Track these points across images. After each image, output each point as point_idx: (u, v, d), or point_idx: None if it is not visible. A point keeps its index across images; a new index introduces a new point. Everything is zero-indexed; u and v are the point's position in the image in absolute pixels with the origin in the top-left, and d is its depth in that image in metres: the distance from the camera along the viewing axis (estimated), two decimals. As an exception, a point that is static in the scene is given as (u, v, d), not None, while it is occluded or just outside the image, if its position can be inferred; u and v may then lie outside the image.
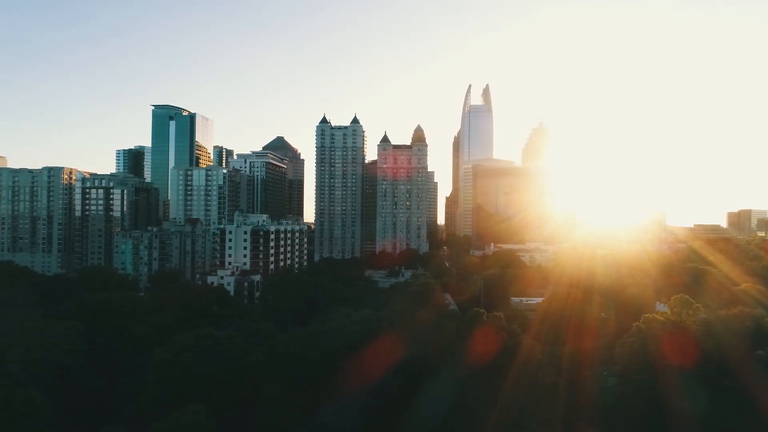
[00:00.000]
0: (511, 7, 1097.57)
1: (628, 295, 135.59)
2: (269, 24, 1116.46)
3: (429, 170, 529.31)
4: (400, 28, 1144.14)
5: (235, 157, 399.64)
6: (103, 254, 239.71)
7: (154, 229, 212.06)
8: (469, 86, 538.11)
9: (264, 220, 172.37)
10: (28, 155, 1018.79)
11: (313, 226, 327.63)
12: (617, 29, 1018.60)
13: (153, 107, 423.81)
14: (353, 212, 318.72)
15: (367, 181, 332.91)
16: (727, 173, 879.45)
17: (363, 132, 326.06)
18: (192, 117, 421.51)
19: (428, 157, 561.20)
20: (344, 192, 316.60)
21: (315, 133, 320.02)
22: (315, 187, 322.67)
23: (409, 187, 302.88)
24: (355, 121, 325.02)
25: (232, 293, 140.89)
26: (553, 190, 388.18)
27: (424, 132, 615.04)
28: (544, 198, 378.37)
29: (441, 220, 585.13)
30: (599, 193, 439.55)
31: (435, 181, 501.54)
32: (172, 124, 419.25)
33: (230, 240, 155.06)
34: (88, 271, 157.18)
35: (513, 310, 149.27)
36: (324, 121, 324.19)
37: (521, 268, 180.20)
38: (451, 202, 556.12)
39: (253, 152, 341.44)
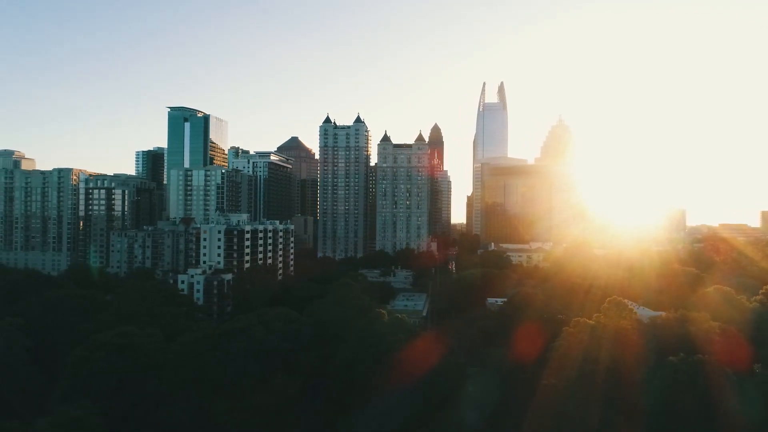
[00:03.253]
0: (524, 5, 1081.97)
1: (599, 294, 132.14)
2: (283, 27, 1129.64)
3: (444, 169, 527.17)
4: (415, 29, 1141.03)
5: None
6: (105, 253, 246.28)
7: (149, 229, 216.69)
8: (484, 84, 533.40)
9: (243, 220, 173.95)
10: (57, 157, 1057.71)
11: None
12: (636, 26, 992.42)
13: (168, 109, 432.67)
14: (356, 211, 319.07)
15: (373, 181, 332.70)
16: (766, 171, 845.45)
17: (366, 131, 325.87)
18: (206, 118, 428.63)
19: (445, 156, 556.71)
20: (347, 191, 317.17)
21: (318, 133, 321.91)
22: (319, 187, 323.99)
23: (409, 186, 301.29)
24: (358, 120, 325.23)
25: (201, 292, 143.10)
26: (567, 188, 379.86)
27: (442, 131, 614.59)
28: (557, 196, 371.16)
29: (456, 219, 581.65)
30: (617, 191, 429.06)
31: (448, 180, 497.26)
32: (187, 125, 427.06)
33: (205, 239, 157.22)
34: (71, 270, 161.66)
35: (485, 310, 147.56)
36: (327, 120, 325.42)
37: (503, 268, 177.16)
38: (470, 201, 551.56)
39: (257, 152, 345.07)
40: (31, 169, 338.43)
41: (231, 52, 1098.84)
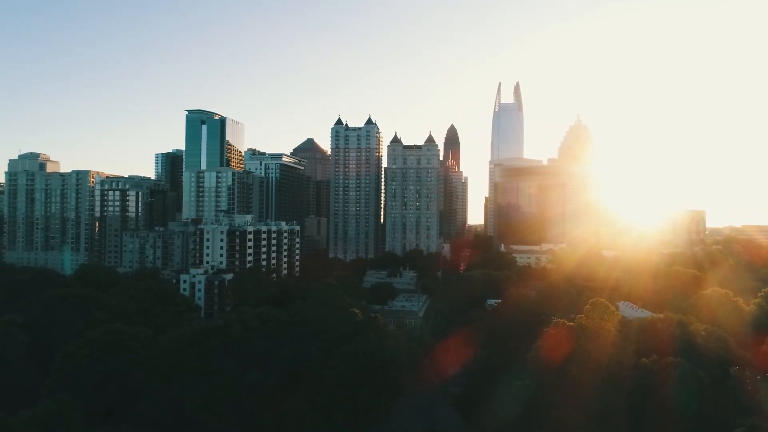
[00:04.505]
0: (540, 5, 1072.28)
1: (598, 296, 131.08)
2: (300, 30, 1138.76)
3: (460, 170, 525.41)
4: (431, 30, 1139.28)
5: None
6: (119, 253, 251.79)
7: (160, 229, 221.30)
8: (499, 84, 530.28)
9: (247, 221, 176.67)
10: (82, 160, 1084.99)
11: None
12: (653, 26, 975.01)
13: (186, 112, 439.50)
14: (367, 212, 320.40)
15: (384, 182, 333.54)
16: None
17: (378, 133, 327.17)
18: (222, 121, 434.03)
19: (462, 157, 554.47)
20: (358, 193, 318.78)
21: (330, 135, 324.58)
22: (331, 188, 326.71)
23: (418, 187, 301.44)
24: (369, 122, 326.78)
25: (202, 291, 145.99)
26: (581, 189, 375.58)
27: (458, 132, 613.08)
28: (571, 197, 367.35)
29: (475, 220, 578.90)
30: (635, 192, 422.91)
31: (463, 181, 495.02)
32: (204, 128, 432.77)
33: (208, 240, 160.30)
34: (81, 269, 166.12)
35: (483, 310, 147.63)
36: (339, 122, 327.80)
37: (505, 269, 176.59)
38: (487, 202, 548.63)
39: (269, 154, 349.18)
40: (56, 171, 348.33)
41: (249, 56, 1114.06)
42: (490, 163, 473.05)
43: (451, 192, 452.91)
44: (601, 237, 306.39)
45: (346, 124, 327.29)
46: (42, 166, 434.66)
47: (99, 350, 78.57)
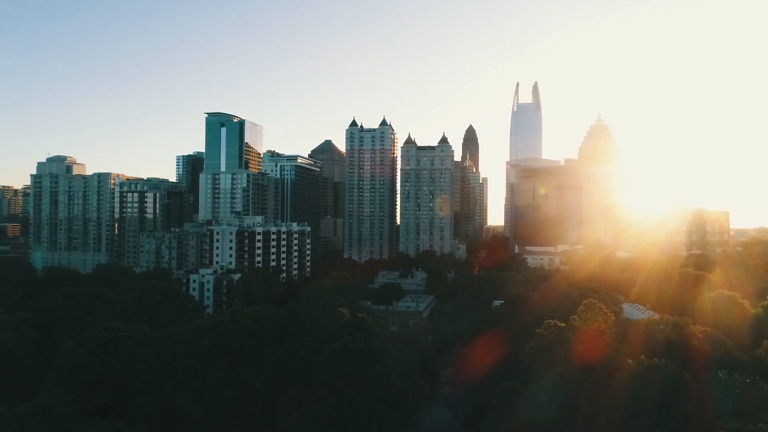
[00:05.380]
0: (558, 5, 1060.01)
1: (601, 297, 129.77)
2: (319, 33, 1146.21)
3: (478, 170, 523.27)
4: (450, 30, 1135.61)
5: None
6: (137, 253, 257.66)
7: (176, 230, 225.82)
8: (517, 84, 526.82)
9: (257, 222, 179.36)
10: (108, 163, 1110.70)
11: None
12: (674, 24, 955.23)
13: (206, 115, 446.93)
14: (381, 214, 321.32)
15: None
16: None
17: (392, 134, 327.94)
18: (241, 123, 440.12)
19: (481, 158, 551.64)
20: (372, 194, 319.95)
21: (344, 136, 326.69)
22: (345, 189, 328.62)
23: (432, 188, 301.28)
24: (383, 123, 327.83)
25: (211, 291, 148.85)
26: (599, 190, 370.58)
27: (477, 133, 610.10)
28: (588, 198, 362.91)
29: (496, 221, 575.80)
30: (654, 193, 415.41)
31: (481, 182, 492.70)
32: (223, 130, 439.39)
33: (218, 240, 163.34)
34: (98, 269, 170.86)
35: (487, 312, 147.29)
36: (354, 124, 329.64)
37: (513, 270, 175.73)
38: (506, 203, 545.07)
39: (285, 156, 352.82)
40: (80, 174, 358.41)
41: (268, 59, 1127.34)
42: (507, 163, 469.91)
43: (468, 193, 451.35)
44: (619, 238, 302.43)
45: (361, 126, 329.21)
46: (68, 168, 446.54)
47: (98, 347, 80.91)
